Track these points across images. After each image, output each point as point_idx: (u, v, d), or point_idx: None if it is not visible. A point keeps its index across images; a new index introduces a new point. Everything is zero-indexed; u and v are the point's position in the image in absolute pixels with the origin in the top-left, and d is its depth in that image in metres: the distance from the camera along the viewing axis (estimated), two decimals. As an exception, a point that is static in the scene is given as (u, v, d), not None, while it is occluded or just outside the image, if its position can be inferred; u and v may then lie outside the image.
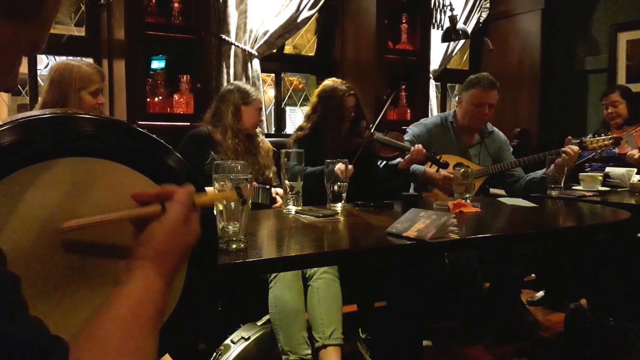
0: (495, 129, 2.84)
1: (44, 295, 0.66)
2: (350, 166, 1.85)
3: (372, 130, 2.43)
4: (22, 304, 0.46)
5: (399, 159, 2.52)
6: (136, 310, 0.54)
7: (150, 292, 0.58)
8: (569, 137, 2.60)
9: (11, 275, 0.46)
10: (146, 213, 0.66)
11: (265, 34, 3.15)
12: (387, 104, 2.51)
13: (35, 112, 0.70)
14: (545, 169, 2.54)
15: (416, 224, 1.36)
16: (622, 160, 2.93)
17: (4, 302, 0.44)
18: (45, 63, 3.50)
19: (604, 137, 2.61)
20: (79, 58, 2.54)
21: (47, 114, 0.68)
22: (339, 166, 1.79)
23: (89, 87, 2.06)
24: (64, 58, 2.14)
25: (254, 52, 3.11)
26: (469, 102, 2.68)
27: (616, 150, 2.97)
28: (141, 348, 0.52)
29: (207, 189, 0.81)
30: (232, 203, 1.19)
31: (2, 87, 0.57)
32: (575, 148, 2.50)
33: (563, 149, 2.50)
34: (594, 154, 2.94)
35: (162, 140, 0.77)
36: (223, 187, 1.22)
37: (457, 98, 2.81)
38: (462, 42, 3.98)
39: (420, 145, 2.42)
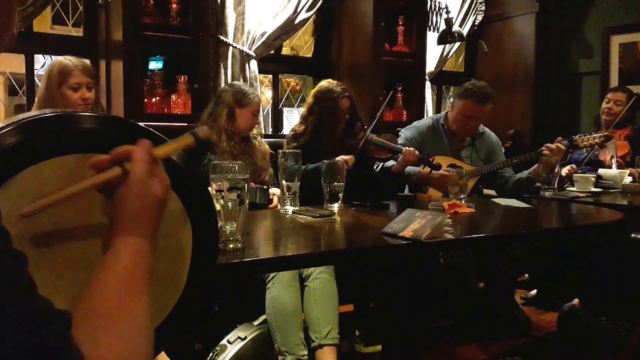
0: (487, 129, 2.86)
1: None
2: (351, 156, 1.86)
3: (367, 132, 2.45)
4: (31, 281, 0.48)
5: (392, 162, 2.54)
6: (124, 277, 0.58)
7: (135, 256, 0.60)
8: (559, 137, 2.63)
9: (20, 254, 0.48)
10: (107, 177, 0.64)
11: (262, 35, 3.16)
12: (383, 105, 2.53)
13: (35, 112, 0.72)
14: (530, 169, 2.57)
15: (412, 224, 1.37)
16: (601, 165, 2.97)
17: (17, 277, 0.46)
18: (42, 63, 3.50)
19: (594, 135, 2.63)
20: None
21: (48, 114, 0.70)
22: (340, 158, 1.80)
23: (67, 81, 2.02)
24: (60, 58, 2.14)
25: (251, 53, 3.12)
26: (459, 112, 2.70)
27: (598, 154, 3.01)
28: (134, 310, 0.56)
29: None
30: (229, 203, 1.20)
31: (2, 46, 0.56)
32: (553, 146, 2.52)
33: (545, 145, 2.54)
34: (585, 155, 2.97)
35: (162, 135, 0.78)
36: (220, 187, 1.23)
37: (450, 100, 2.82)
38: (457, 44, 4.01)
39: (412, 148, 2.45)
